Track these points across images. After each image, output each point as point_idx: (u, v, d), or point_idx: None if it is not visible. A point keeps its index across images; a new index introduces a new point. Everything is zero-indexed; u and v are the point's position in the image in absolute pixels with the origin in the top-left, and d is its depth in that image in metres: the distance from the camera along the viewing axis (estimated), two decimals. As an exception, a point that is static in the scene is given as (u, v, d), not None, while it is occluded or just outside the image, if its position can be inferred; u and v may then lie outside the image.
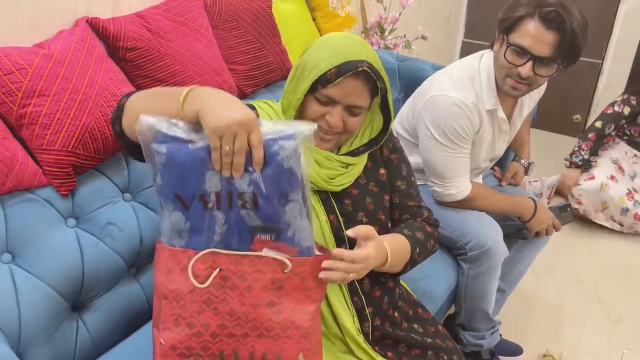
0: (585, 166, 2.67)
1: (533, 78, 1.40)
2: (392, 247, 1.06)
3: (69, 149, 1.18)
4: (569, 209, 1.78)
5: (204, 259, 0.87)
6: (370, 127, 1.16)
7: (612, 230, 2.64)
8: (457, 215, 1.63)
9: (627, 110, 2.65)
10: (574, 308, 2.18)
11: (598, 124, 2.69)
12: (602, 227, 2.64)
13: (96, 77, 1.24)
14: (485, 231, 1.60)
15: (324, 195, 1.12)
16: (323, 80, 1.01)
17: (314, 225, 1.00)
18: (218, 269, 0.87)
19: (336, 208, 1.12)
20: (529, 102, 1.70)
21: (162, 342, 0.86)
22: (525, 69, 1.37)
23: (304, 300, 0.89)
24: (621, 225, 2.60)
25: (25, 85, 1.12)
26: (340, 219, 1.11)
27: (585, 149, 2.67)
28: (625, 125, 2.70)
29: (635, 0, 3.07)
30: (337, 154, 1.13)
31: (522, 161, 1.92)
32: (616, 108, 2.66)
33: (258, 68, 1.73)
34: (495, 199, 1.66)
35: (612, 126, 2.69)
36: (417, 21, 2.91)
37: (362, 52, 1.03)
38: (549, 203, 2.55)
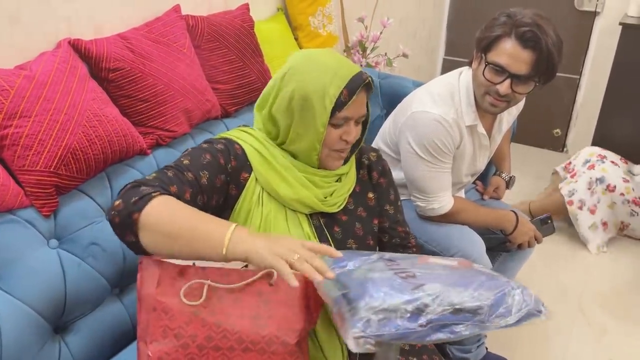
0: None
1: (511, 95, 1.42)
2: None
3: (51, 169, 1.18)
4: (549, 221, 1.80)
5: (195, 272, 0.88)
6: None
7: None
8: (440, 230, 1.65)
9: None
10: (559, 320, 2.19)
11: None
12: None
13: (78, 98, 1.24)
14: (469, 245, 1.62)
15: (316, 222, 1.12)
16: (339, 105, 1.02)
17: None
18: (208, 283, 0.88)
19: (328, 236, 1.12)
20: (508, 117, 1.73)
21: (150, 354, 0.86)
22: (504, 87, 1.40)
23: (290, 316, 0.89)
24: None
25: (7, 107, 1.12)
26: (332, 246, 1.10)
27: None
28: None
29: (609, 17, 3.15)
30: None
31: (503, 175, 1.95)
32: None
33: (241, 87, 1.74)
34: (478, 213, 1.69)
35: None
36: (398, 39, 2.96)
37: (351, 63, 1.06)
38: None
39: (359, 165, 1.22)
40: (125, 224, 0.85)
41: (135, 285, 1.11)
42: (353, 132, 1.06)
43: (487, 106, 1.49)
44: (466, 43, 3.53)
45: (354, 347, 0.76)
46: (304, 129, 1.05)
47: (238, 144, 1.08)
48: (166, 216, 0.85)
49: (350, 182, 1.17)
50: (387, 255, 0.98)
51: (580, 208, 2.57)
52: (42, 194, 1.18)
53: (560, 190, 2.64)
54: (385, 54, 2.62)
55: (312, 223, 1.11)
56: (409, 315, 0.78)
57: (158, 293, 0.87)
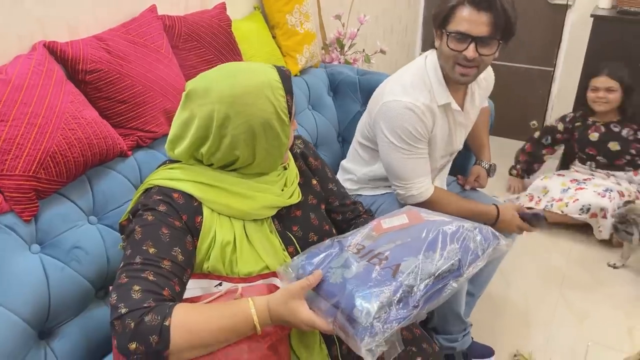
0: (528, 173, 2.95)
1: (479, 59, 1.47)
2: None
3: (31, 173, 1.16)
4: (542, 217, 1.75)
5: None
6: None
7: (573, 228, 2.72)
8: None
9: (560, 127, 2.83)
10: (541, 307, 2.23)
11: (536, 134, 2.92)
12: (565, 227, 2.73)
13: (56, 101, 1.23)
14: None
15: (277, 227, 1.12)
16: (289, 111, 1.07)
17: (274, 257, 1.07)
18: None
19: (291, 237, 1.13)
20: (479, 91, 1.75)
21: None
22: (470, 51, 1.44)
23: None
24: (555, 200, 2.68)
25: (-17, 111, 1.11)
26: (299, 248, 1.12)
27: (522, 160, 2.96)
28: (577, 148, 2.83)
29: (581, 10, 3.21)
30: None
31: (484, 164, 1.96)
32: (554, 123, 2.87)
33: (220, 86, 1.73)
34: (459, 204, 1.71)
35: (548, 137, 2.88)
36: (376, 36, 2.98)
37: (259, 65, 1.07)
38: None
39: (295, 156, 1.25)
40: (162, 345, 0.84)
41: None
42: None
43: (458, 77, 1.52)
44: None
45: (370, 358, 0.80)
46: (273, 146, 1.05)
47: (175, 190, 1.02)
48: (194, 336, 0.85)
49: (292, 166, 1.20)
50: (345, 240, 1.00)
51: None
52: (22, 199, 1.16)
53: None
54: (363, 50, 2.63)
55: (275, 229, 1.12)
56: (401, 304, 0.80)
57: None
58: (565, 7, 3.32)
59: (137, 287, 0.88)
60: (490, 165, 1.97)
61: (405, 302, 0.82)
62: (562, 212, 2.62)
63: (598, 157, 2.72)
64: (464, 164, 2.08)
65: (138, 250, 0.94)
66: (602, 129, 2.67)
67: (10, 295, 1.08)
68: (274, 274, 1.03)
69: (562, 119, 2.84)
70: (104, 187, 1.33)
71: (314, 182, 1.25)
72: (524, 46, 3.47)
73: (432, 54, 1.61)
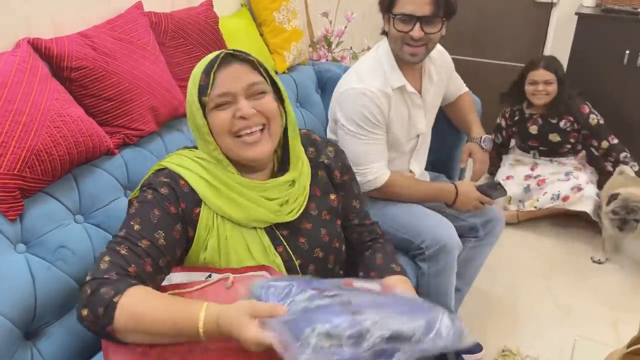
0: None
1: (426, 38, 1.54)
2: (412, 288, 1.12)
3: (15, 172, 1.14)
4: (498, 186, 1.76)
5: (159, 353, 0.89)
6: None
7: (557, 223, 2.76)
8: (409, 217, 1.68)
9: (503, 123, 2.89)
10: (527, 302, 2.25)
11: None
12: (548, 221, 2.76)
13: (41, 98, 1.21)
14: (438, 228, 1.65)
15: (278, 234, 1.10)
16: (203, 90, 1.02)
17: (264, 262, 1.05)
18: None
19: (287, 248, 1.10)
20: (436, 69, 1.76)
21: None
22: (416, 31, 1.51)
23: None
24: (521, 202, 2.74)
25: (-34, 109, 1.09)
26: (295, 261, 1.10)
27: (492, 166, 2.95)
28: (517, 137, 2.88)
29: (565, 8, 3.24)
30: (276, 177, 1.12)
31: (474, 138, 1.91)
32: (497, 120, 2.91)
33: (208, 84, 1.72)
34: (417, 187, 1.73)
35: (499, 136, 2.93)
36: (363, 33, 2.98)
37: (218, 52, 1.05)
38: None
39: (317, 166, 1.19)
40: (102, 335, 0.87)
41: None
42: (243, 105, 1.01)
43: (408, 57, 1.58)
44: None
45: None
46: (196, 126, 1.05)
47: (182, 178, 1.04)
48: (137, 320, 0.85)
49: (304, 180, 1.14)
50: (314, 282, 0.94)
51: None
52: (7, 198, 1.14)
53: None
54: (351, 48, 2.63)
55: (274, 236, 1.10)
56: (352, 340, 0.78)
57: None
58: (550, 5, 3.35)
59: (107, 258, 0.91)
60: (482, 138, 1.90)
61: (357, 343, 0.78)
62: (536, 207, 2.67)
63: (541, 148, 2.81)
64: (453, 149, 2.10)
65: (126, 224, 0.98)
66: (540, 121, 2.73)
67: (-4, 296, 1.06)
68: (265, 267, 1.03)
69: (502, 114, 2.90)
70: (91, 185, 1.31)
71: (332, 196, 1.19)
72: (509, 44, 3.49)
73: (384, 42, 1.67)
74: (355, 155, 1.61)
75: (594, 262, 2.51)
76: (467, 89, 2.01)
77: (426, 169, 2.07)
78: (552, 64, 2.62)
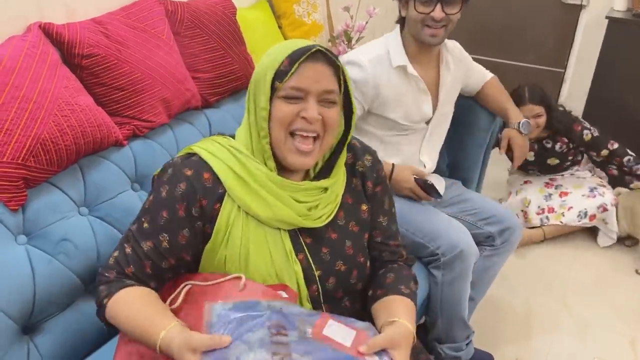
0: None
1: (446, 19, 1.57)
2: (411, 321, 1.02)
3: (19, 161, 1.11)
4: (432, 189, 1.68)
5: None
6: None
7: (578, 238, 2.67)
8: (425, 220, 1.63)
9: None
10: (543, 315, 2.19)
11: None
12: (570, 235, 2.68)
13: (49, 85, 1.18)
14: (456, 234, 1.60)
15: (301, 241, 1.04)
16: (281, 75, 0.95)
17: (286, 268, 1.01)
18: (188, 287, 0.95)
19: (309, 257, 1.04)
20: (453, 59, 1.75)
21: None
22: (437, 12, 1.55)
23: None
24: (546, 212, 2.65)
25: (-29, 94, 1.06)
26: (315, 271, 1.04)
27: None
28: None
29: (595, 11, 3.14)
30: (311, 180, 1.07)
31: (512, 124, 1.87)
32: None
33: (222, 76, 1.68)
34: None
35: None
36: (384, 29, 2.91)
37: (310, 43, 0.99)
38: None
39: (353, 173, 1.13)
40: (99, 316, 0.99)
41: None
42: (311, 108, 0.96)
43: (428, 39, 1.60)
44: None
45: None
46: (256, 108, 0.99)
47: (209, 169, 0.99)
48: (117, 322, 0.95)
49: (338, 188, 1.08)
50: (284, 315, 0.90)
51: None
52: (10, 187, 1.11)
53: None
54: (371, 44, 2.57)
55: (297, 241, 1.04)
56: None
57: None
58: (579, 8, 3.25)
59: (115, 254, 1.00)
60: (520, 123, 1.85)
61: None
62: (562, 222, 2.58)
63: (539, 170, 2.74)
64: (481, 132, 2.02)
65: (139, 219, 1.00)
66: (536, 147, 2.64)
67: (-7, 288, 1.03)
68: (283, 287, 0.98)
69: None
70: (97, 177, 1.28)
71: (364, 207, 1.12)
72: (534, 46, 3.40)
73: (392, 32, 1.72)
74: None
75: (637, 273, 2.44)
76: (491, 74, 1.95)
77: (443, 174, 2.01)
78: (536, 94, 2.47)
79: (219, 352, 0.82)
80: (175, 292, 0.96)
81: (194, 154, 1.01)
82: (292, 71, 0.95)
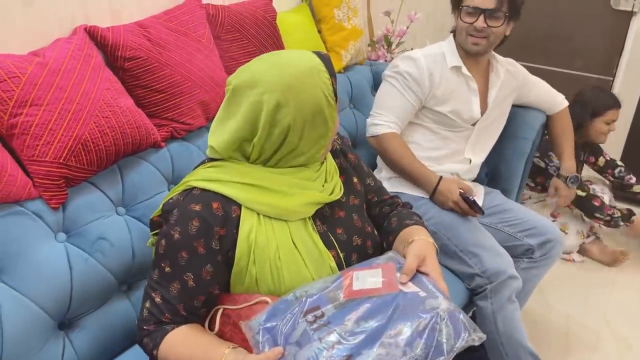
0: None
1: (488, 30, 1.67)
2: (426, 235, 1.08)
3: (61, 160, 1.14)
4: (478, 208, 1.63)
5: None
6: None
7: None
8: (469, 233, 1.62)
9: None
10: (582, 332, 2.11)
11: None
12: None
13: (92, 87, 1.20)
14: (502, 260, 1.59)
15: (319, 229, 1.05)
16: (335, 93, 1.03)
17: (315, 261, 1.02)
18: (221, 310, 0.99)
19: (334, 242, 1.06)
20: (503, 68, 1.83)
21: None
22: (479, 22, 1.66)
23: None
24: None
25: (18, 94, 1.09)
26: (340, 254, 1.06)
27: None
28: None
29: (647, 18, 3.02)
30: None
31: (562, 176, 1.99)
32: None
33: (261, 80, 1.68)
34: (407, 158, 1.71)
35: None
36: (425, 35, 2.88)
37: (296, 53, 1.01)
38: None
39: (335, 154, 1.18)
40: None
41: (143, 282, 1.13)
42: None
43: (470, 47, 1.72)
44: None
45: None
46: (320, 134, 1.01)
47: (213, 194, 0.96)
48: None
49: (330, 160, 1.13)
50: (312, 296, 0.90)
51: None
52: (51, 186, 1.14)
53: None
54: (412, 49, 2.53)
55: (317, 230, 1.04)
56: None
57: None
58: (629, 14, 3.13)
59: (147, 305, 0.99)
60: (568, 177, 1.98)
61: None
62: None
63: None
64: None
65: (157, 265, 0.98)
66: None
67: (32, 284, 1.06)
68: None
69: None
70: (135, 177, 1.30)
71: (355, 180, 1.18)
72: (582, 53, 3.29)
73: (448, 39, 1.82)
74: (379, 96, 1.80)
75: None
76: (564, 104, 1.99)
77: (482, 182, 1.97)
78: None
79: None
80: (209, 316, 0.99)
81: (192, 189, 0.98)
82: (336, 88, 1.02)
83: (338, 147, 1.19)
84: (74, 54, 1.20)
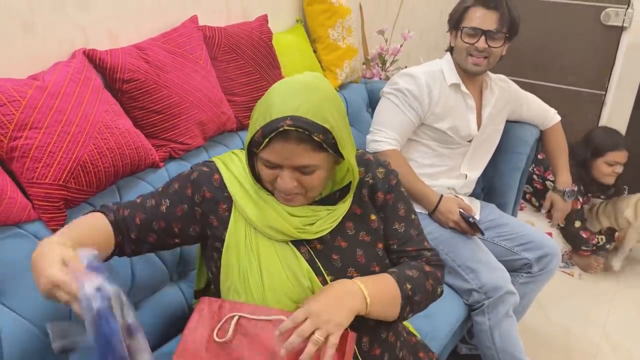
0: None
1: (489, 50, 1.70)
2: (368, 283, 0.98)
3: (61, 182, 1.15)
4: (477, 227, 1.64)
5: (230, 307, 1.00)
6: (347, 169, 1.05)
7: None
8: (468, 250, 1.63)
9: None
10: (582, 346, 2.11)
11: None
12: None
13: (91, 110, 1.22)
14: (500, 274, 1.61)
15: (309, 250, 1.04)
16: (255, 144, 0.94)
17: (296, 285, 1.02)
18: (237, 316, 0.98)
19: (320, 267, 1.03)
20: (496, 85, 1.86)
21: None
22: (481, 43, 1.68)
23: None
24: None
25: (17, 118, 1.10)
26: (327, 278, 1.03)
27: None
28: None
29: (637, 32, 3.07)
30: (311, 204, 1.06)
31: (558, 190, 1.99)
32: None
33: (257, 99, 1.69)
34: (410, 177, 1.71)
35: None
36: (419, 52, 2.92)
37: (291, 105, 0.91)
38: None
39: (362, 185, 1.09)
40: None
41: (143, 304, 1.10)
42: (286, 180, 0.95)
43: (471, 67, 1.73)
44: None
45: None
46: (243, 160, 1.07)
47: (219, 171, 1.08)
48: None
49: (340, 211, 1.06)
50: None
51: None
52: (51, 208, 1.15)
53: None
54: (406, 67, 2.57)
55: (306, 250, 1.04)
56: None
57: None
58: (620, 29, 3.18)
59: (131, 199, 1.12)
60: (565, 192, 1.98)
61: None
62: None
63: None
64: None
65: (163, 185, 1.12)
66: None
67: (32, 307, 1.06)
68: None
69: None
70: (133, 197, 1.29)
71: (373, 217, 1.09)
72: (574, 68, 3.33)
73: (444, 58, 1.84)
74: (379, 113, 1.80)
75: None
76: (556, 119, 2.01)
77: (478, 197, 1.98)
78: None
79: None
80: (222, 322, 0.98)
81: (212, 161, 1.11)
82: (263, 144, 0.93)
83: (371, 180, 1.10)
84: (72, 77, 1.22)
